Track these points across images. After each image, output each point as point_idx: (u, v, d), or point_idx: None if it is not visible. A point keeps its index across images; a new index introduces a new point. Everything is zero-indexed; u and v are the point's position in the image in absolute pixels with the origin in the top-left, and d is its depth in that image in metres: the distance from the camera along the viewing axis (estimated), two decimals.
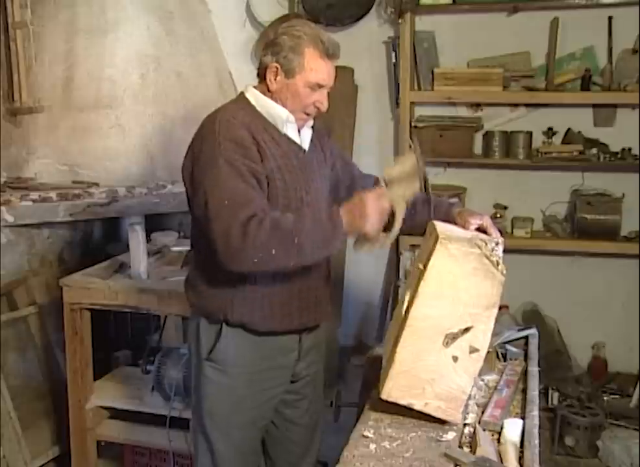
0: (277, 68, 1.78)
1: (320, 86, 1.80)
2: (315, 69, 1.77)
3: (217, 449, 1.93)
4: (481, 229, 1.83)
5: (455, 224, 1.84)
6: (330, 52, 1.79)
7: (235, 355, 1.86)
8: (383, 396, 1.53)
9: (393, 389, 1.52)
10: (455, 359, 1.50)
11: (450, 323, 1.50)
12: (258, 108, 1.84)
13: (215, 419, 1.91)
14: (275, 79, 1.80)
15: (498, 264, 1.52)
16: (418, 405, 1.52)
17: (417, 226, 1.94)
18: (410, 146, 1.76)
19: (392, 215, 1.68)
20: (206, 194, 1.70)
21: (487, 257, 1.51)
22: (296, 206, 1.83)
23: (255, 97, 1.85)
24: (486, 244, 1.54)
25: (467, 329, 1.50)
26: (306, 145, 1.90)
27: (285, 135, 1.84)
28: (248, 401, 1.90)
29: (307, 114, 1.85)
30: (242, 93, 1.90)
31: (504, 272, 1.52)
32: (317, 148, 1.95)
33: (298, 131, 1.88)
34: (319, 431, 2.16)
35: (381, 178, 1.73)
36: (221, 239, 1.64)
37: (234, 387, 1.88)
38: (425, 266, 1.51)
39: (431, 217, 1.85)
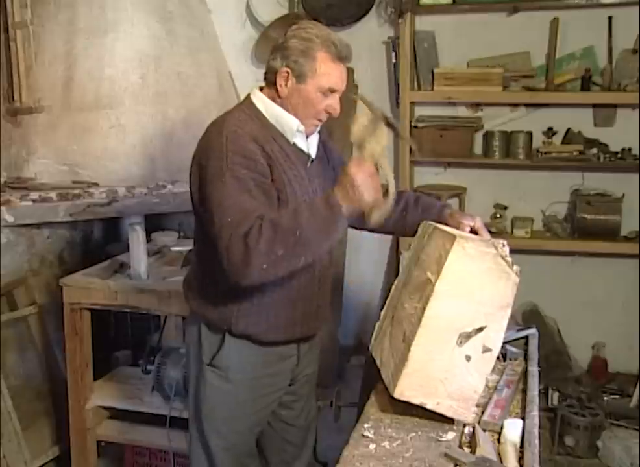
0: (288, 73, 1.73)
1: (332, 91, 1.75)
2: (328, 74, 1.72)
3: (214, 453, 1.93)
4: (472, 231, 1.83)
5: (447, 225, 1.82)
6: (342, 55, 1.74)
7: (238, 362, 1.86)
8: (396, 395, 1.53)
9: (406, 388, 1.52)
10: (468, 358, 1.50)
11: (464, 323, 1.50)
12: (267, 116, 1.79)
13: (214, 424, 1.91)
14: (286, 84, 1.74)
15: (512, 264, 1.53)
16: (430, 404, 1.52)
17: (408, 226, 1.94)
18: (355, 100, 1.69)
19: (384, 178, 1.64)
20: (212, 210, 1.66)
21: (503, 258, 1.51)
22: None
23: (264, 104, 1.80)
24: (503, 245, 1.55)
25: (480, 329, 1.50)
26: (313, 153, 1.87)
27: (294, 145, 1.81)
28: (248, 406, 1.90)
29: (319, 120, 1.80)
30: (249, 97, 1.84)
31: (519, 272, 1.53)
32: (321, 152, 1.92)
33: (306, 137, 1.84)
34: (313, 431, 2.16)
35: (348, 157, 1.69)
36: (224, 256, 1.60)
37: (235, 393, 1.88)
38: (439, 267, 1.50)
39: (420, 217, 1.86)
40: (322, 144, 1.93)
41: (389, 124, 1.64)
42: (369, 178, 1.59)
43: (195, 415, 1.95)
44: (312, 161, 1.86)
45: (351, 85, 3.80)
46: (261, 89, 1.83)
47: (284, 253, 1.57)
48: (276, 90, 1.77)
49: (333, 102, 1.77)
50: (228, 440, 1.92)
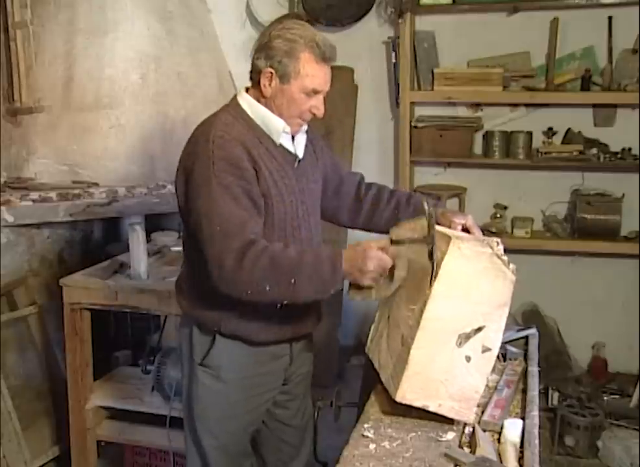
0: (271, 73, 1.73)
1: (316, 92, 1.75)
2: (312, 75, 1.72)
3: (207, 452, 1.93)
4: (464, 229, 1.83)
5: (439, 224, 1.82)
6: (326, 56, 1.73)
7: (229, 362, 1.86)
8: (398, 399, 1.52)
9: (408, 391, 1.52)
10: (468, 358, 1.50)
11: (463, 323, 1.50)
12: (253, 117, 1.79)
13: (206, 424, 1.91)
14: (270, 84, 1.74)
15: (508, 263, 1.53)
16: (432, 406, 1.52)
17: None
18: (425, 211, 1.65)
19: (391, 271, 1.64)
20: (199, 217, 1.67)
21: (498, 257, 1.51)
22: (292, 218, 1.81)
23: (249, 105, 1.80)
24: (497, 244, 1.55)
25: (479, 329, 1.50)
26: (300, 153, 1.86)
27: (280, 146, 1.80)
28: (241, 406, 1.90)
29: (303, 120, 1.80)
30: (235, 98, 1.84)
31: (515, 271, 1.53)
32: (309, 151, 1.92)
33: (292, 137, 1.84)
34: (311, 430, 2.16)
35: (387, 237, 1.69)
36: (215, 265, 1.63)
37: (228, 393, 1.88)
38: (437, 267, 1.50)
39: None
40: (310, 143, 1.92)
41: (430, 253, 1.57)
42: (380, 266, 1.60)
43: (189, 415, 1.95)
44: (299, 161, 1.86)
45: (351, 85, 3.80)
46: (247, 89, 1.83)
47: (272, 291, 1.61)
48: (261, 90, 1.77)
49: (317, 102, 1.77)
50: (220, 440, 1.92)
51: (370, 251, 1.60)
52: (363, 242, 1.65)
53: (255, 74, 1.78)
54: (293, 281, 1.59)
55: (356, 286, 1.66)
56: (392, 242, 1.66)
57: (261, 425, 2.03)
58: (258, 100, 1.79)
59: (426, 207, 1.59)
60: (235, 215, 1.64)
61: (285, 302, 1.65)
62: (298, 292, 1.62)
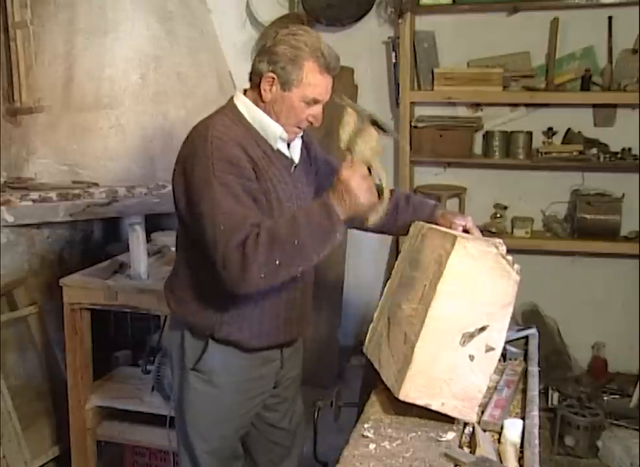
0: (273, 79, 1.71)
1: (316, 101, 1.73)
2: (314, 84, 1.70)
3: (199, 456, 1.92)
4: (464, 231, 1.83)
5: (439, 225, 1.82)
6: (330, 67, 1.71)
7: (222, 366, 1.85)
8: (401, 397, 1.52)
9: (411, 389, 1.52)
10: (471, 357, 1.50)
11: (467, 323, 1.50)
12: (250, 121, 1.77)
13: (198, 429, 1.90)
14: (270, 89, 1.72)
15: (513, 263, 1.53)
16: (435, 405, 1.52)
17: (400, 226, 1.93)
18: (342, 104, 1.67)
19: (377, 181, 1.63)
20: (203, 219, 1.65)
21: (503, 257, 1.52)
22: None
23: (247, 108, 1.78)
24: (500, 244, 1.55)
25: (483, 328, 1.50)
26: (296, 158, 1.85)
27: (277, 150, 1.79)
28: (233, 410, 1.90)
29: (300, 128, 1.79)
30: (232, 101, 1.82)
31: (519, 271, 1.53)
32: (303, 156, 1.90)
33: (288, 143, 1.83)
34: (301, 432, 2.16)
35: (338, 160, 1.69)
36: (221, 267, 1.60)
37: (220, 397, 1.87)
38: (440, 267, 1.51)
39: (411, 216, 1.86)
40: (305, 148, 1.91)
41: (376, 124, 1.62)
42: (362, 181, 1.58)
43: (180, 419, 1.94)
44: (296, 166, 1.85)
45: (351, 85, 3.80)
46: (245, 91, 1.82)
47: (282, 262, 1.57)
48: (260, 93, 1.75)
49: (316, 111, 1.76)
50: (211, 444, 1.91)
51: (343, 176, 1.58)
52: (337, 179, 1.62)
53: (255, 77, 1.76)
54: (295, 242, 1.56)
55: (365, 213, 1.65)
56: (349, 151, 1.63)
57: (250, 427, 2.02)
58: (256, 104, 1.77)
59: (339, 99, 1.64)
60: (237, 213, 1.62)
61: (300, 268, 1.62)
62: (305, 249, 1.58)
